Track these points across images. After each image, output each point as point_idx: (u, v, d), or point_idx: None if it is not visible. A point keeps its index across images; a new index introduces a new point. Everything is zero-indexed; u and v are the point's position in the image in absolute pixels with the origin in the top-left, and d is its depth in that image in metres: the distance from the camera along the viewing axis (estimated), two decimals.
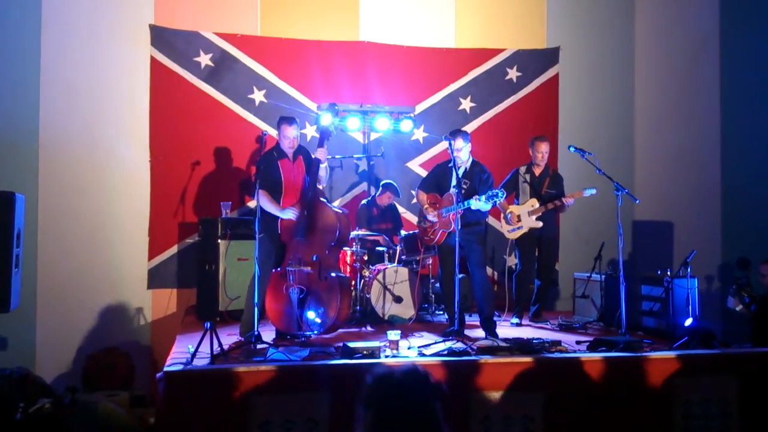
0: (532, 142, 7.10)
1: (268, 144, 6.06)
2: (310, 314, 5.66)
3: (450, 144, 5.99)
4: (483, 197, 5.74)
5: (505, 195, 5.90)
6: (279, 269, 5.88)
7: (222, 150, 7.95)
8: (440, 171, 6.38)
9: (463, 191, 5.89)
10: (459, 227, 5.72)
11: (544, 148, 7.03)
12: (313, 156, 6.00)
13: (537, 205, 6.88)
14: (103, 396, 6.35)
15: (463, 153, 6.09)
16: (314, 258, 5.80)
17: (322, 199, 6.02)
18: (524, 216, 6.89)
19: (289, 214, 5.80)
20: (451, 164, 6.06)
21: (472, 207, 5.80)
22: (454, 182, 5.97)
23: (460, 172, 6.01)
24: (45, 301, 7.29)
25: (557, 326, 6.64)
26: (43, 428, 5.42)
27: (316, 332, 5.71)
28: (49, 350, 7.26)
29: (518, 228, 6.90)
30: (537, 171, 7.07)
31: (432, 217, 6.22)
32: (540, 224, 6.85)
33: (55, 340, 7.29)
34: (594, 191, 6.79)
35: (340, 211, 6.16)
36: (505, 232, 7.05)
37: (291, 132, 5.94)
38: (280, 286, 5.80)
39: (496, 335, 5.82)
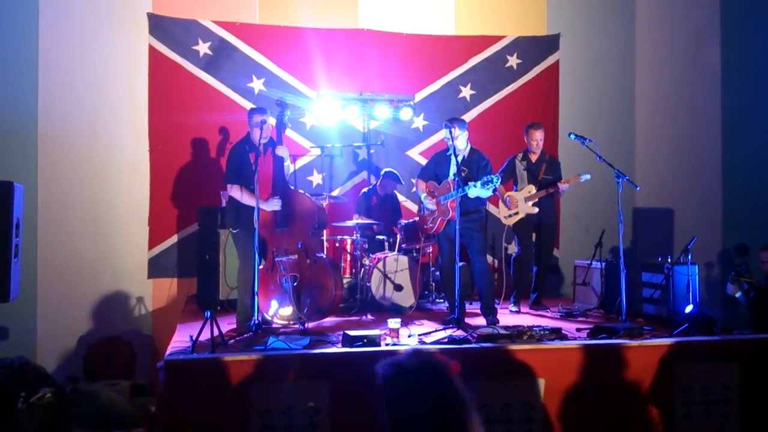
0: (527, 130, 7.09)
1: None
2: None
3: (450, 131, 5.96)
4: (479, 183, 5.71)
5: (500, 180, 5.87)
6: (264, 265, 5.85)
7: (221, 139, 7.91)
8: (438, 159, 6.38)
9: (461, 179, 5.87)
10: (459, 215, 5.71)
11: (538, 135, 7.02)
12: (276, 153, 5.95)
13: (534, 190, 6.87)
14: (104, 385, 6.38)
15: (460, 141, 6.06)
16: (299, 245, 5.84)
17: (291, 186, 6.04)
18: (521, 202, 6.88)
19: (275, 205, 5.77)
20: (450, 152, 6.05)
21: (469, 194, 5.79)
22: (453, 170, 5.95)
23: (459, 159, 5.99)
24: (45, 290, 7.30)
25: (557, 313, 6.65)
26: (44, 417, 5.44)
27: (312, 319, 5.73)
28: (49, 340, 7.28)
29: (514, 213, 6.90)
30: (533, 158, 7.06)
31: (430, 205, 6.21)
32: (536, 210, 6.83)
33: (56, 329, 7.30)
34: (589, 176, 6.79)
35: (311, 197, 6.20)
36: (502, 218, 7.05)
37: (260, 121, 5.74)
38: (269, 280, 5.81)
39: (497, 323, 5.82)
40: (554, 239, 7.26)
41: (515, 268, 7.04)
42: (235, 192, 5.73)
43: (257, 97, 7.99)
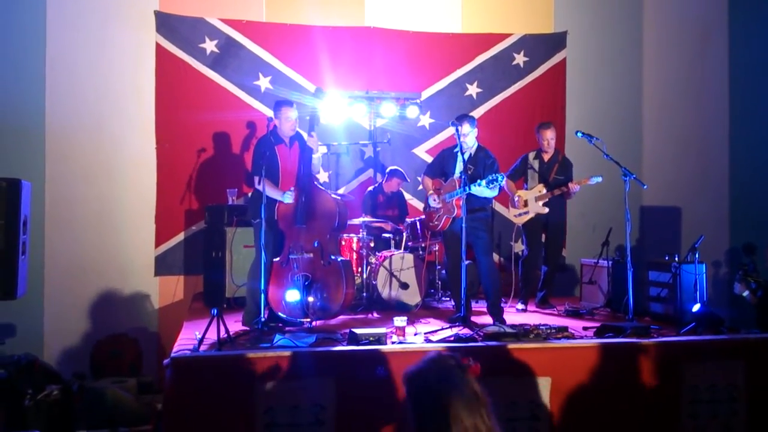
0: (538, 129, 7.07)
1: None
2: (310, 299, 5.65)
3: (457, 129, 5.94)
4: (484, 182, 5.67)
5: (504, 179, 5.84)
6: (279, 258, 5.82)
7: (228, 137, 7.93)
8: (445, 156, 6.35)
9: (468, 176, 5.85)
10: (465, 212, 5.69)
11: (549, 134, 6.99)
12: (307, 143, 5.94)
13: (544, 190, 6.85)
14: (111, 382, 6.40)
15: (470, 138, 6.04)
16: (316, 244, 5.78)
17: (317, 184, 5.99)
18: (531, 201, 6.87)
19: (288, 197, 5.72)
20: (457, 149, 6.03)
21: (473, 192, 5.77)
22: (460, 167, 5.94)
23: (465, 157, 5.98)
24: (52, 288, 7.33)
25: (564, 312, 6.64)
26: (51, 414, 5.46)
27: (320, 318, 5.72)
28: (56, 337, 7.31)
29: (524, 213, 6.89)
30: (546, 157, 7.04)
31: (435, 203, 6.20)
32: (546, 210, 6.82)
33: (63, 326, 7.33)
34: (600, 179, 6.75)
35: (338, 197, 6.13)
36: (512, 217, 7.03)
37: (292, 114, 5.85)
38: (282, 275, 5.75)
39: (503, 321, 5.81)
40: (563, 240, 7.22)
41: (522, 269, 7.03)
42: (258, 184, 5.69)
43: (264, 95, 7.99)
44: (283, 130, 5.87)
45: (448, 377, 2.16)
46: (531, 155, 7.08)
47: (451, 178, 6.12)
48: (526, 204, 6.89)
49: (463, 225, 5.64)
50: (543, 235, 7.06)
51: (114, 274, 7.56)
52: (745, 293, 6.68)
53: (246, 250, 6.81)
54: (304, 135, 5.95)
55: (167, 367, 4.36)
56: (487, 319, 6.00)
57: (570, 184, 6.82)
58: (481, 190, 5.74)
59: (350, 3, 8.36)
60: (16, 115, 7.29)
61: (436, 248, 7.33)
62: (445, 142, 8.10)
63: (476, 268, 6.41)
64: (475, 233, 5.97)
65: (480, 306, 6.50)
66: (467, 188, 5.72)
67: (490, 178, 5.64)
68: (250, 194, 6.11)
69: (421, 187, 7.00)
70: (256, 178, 5.72)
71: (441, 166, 6.35)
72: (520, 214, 6.92)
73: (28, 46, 7.38)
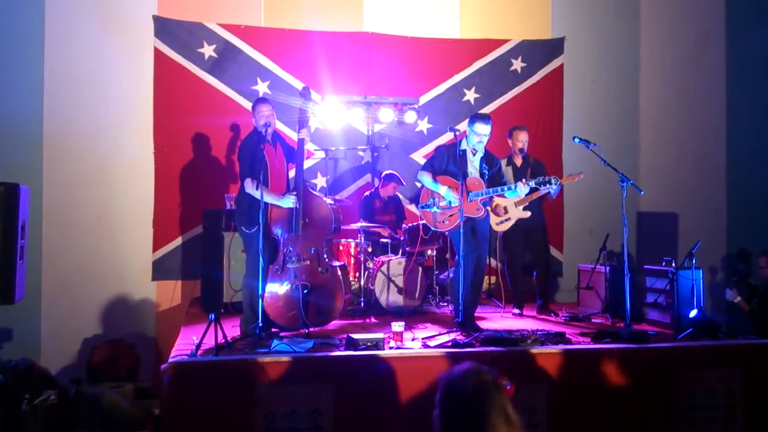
0: (511, 132, 7.07)
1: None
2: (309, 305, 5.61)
3: (483, 128, 5.88)
4: (533, 182, 5.81)
5: (560, 182, 5.91)
6: (275, 266, 5.68)
7: (226, 142, 7.92)
8: (449, 154, 6.07)
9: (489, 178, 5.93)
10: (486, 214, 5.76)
11: (523, 137, 7.02)
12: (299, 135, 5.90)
13: (524, 194, 6.81)
14: (108, 388, 6.39)
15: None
16: (312, 251, 5.71)
17: (310, 189, 5.92)
18: (511, 207, 6.82)
19: (290, 202, 5.61)
20: (464, 148, 5.95)
21: (520, 193, 5.89)
22: (475, 166, 5.97)
23: (479, 158, 5.98)
24: (50, 292, 7.32)
25: (561, 318, 6.64)
26: (48, 419, 5.45)
27: (318, 324, 5.70)
28: (54, 342, 7.29)
29: (506, 220, 6.84)
30: (518, 161, 7.05)
31: (456, 200, 5.83)
32: (528, 214, 6.80)
33: (60, 331, 7.32)
34: (580, 175, 6.77)
35: (332, 202, 6.04)
36: (493, 225, 6.89)
37: (265, 109, 5.70)
38: (280, 283, 5.66)
39: (478, 328, 5.70)
40: (547, 241, 7.23)
41: (510, 275, 7.08)
42: (251, 187, 5.51)
43: None
44: (261, 129, 5.67)
45: (485, 393, 2.15)
46: (503, 162, 6.89)
47: (473, 176, 5.96)
48: (506, 211, 6.84)
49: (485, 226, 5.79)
50: (526, 240, 7.06)
51: (111, 278, 7.55)
52: (737, 299, 6.71)
53: (243, 255, 6.79)
54: (293, 136, 5.89)
55: (165, 372, 4.35)
56: (485, 325, 5.99)
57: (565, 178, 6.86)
58: (524, 189, 5.83)
59: (349, 8, 8.37)
60: (14, 119, 7.29)
61: (434, 253, 7.32)
62: None
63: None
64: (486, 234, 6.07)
65: (478, 312, 6.48)
66: (510, 188, 5.85)
67: (544, 179, 5.80)
68: (236, 198, 5.86)
69: (420, 184, 6.69)
70: (249, 182, 5.53)
71: (444, 164, 6.06)
72: (501, 222, 6.84)
73: (27, 50, 7.38)
